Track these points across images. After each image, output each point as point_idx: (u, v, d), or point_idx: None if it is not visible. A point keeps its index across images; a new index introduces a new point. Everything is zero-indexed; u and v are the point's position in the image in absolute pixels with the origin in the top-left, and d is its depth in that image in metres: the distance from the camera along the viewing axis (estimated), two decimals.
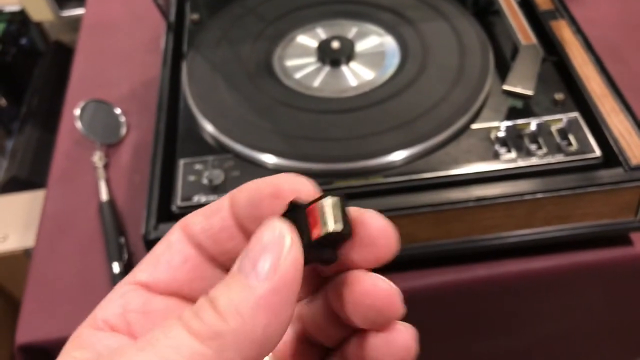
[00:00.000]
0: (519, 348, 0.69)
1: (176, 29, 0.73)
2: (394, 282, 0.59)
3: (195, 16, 0.73)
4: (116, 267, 0.60)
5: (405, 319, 0.65)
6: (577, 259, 0.59)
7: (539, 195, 0.53)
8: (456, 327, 0.65)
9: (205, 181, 0.55)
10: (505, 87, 0.55)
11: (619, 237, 0.59)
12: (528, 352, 0.70)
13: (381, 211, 0.51)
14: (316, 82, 0.63)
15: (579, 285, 0.62)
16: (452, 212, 0.54)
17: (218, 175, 0.55)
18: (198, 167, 0.56)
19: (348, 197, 0.52)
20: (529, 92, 0.54)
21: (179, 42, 0.72)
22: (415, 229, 0.55)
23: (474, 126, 0.58)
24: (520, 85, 0.55)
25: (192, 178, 0.56)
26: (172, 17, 0.73)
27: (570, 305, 0.65)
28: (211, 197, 0.54)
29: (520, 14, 0.62)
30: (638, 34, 0.80)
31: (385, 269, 0.59)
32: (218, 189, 0.55)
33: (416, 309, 0.61)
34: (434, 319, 0.63)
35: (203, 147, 0.59)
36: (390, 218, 0.53)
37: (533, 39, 0.59)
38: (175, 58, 0.69)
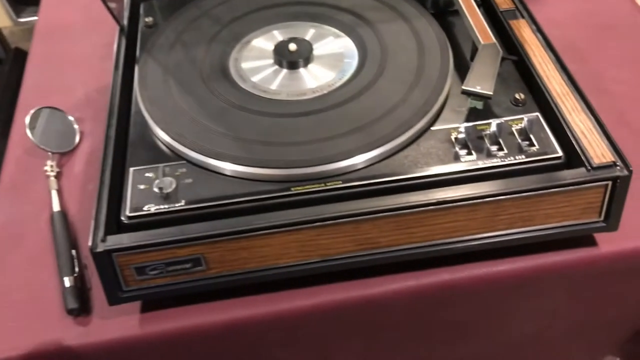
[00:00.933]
0: (486, 353, 0.68)
1: (130, 33, 0.70)
2: (355, 290, 0.57)
3: (149, 19, 0.71)
4: (67, 282, 0.57)
5: (368, 326, 0.63)
6: (542, 261, 0.58)
7: (501, 197, 0.52)
8: (420, 333, 0.63)
9: (156, 189, 0.52)
10: (465, 88, 0.54)
11: (583, 238, 0.58)
12: (495, 357, 0.69)
13: (340, 217, 0.50)
14: (274, 85, 0.62)
15: (544, 288, 0.61)
16: (413, 215, 0.52)
17: (169, 183, 0.53)
18: (149, 175, 0.54)
19: (307, 204, 0.51)
20: (488, 92, 0.53)
21: (133, 47, 0.69)
22: (376, 234, 0.53)
23: (434, 128, 0.56)
24: (480, 85, 0.54)
25: (142, 187, 0.53)
26: (125, 20, 0.71)
27: (536, 308, 0.64)
28: (163, 206, 0.52)
29: (479, 13, 0.61)
30: (598, 34, 0.80)
31: (345, 278, 0.57)
32: (170, 197, 0.52)
33: (379, 317, 0.59)
34: (397, 326, 0.61)
35: (156, 155, 0.57)
36: (350, 224, 0.52)
37: (492, 38, 0.58)
38: (129, 63, 0.67)
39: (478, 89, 0.53)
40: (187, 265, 0.52)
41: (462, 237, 0.54)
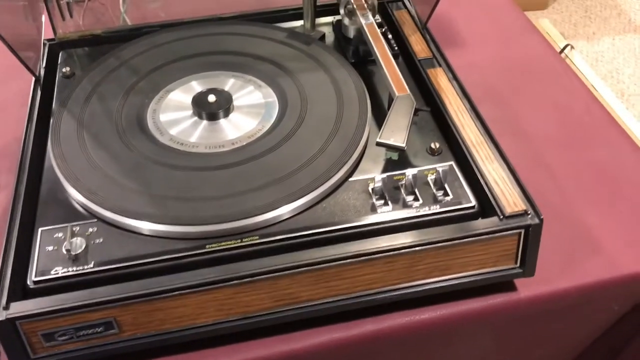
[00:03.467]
0: None
1: (47, 83, 0.69)
2: (279, 346, 0.56)
3: (66, 69, 0.69)
4: None
5: None
6: (464, 308, 0.58)
7: (416, 249, 0.52)
8: None
9: (63, 251, 0.50)
10: (379, 140, 0.55)
11: (503, 284, 0.59)
12: None
13: (257, 274, 0.50)
14: (193, 137, 0.61)
15: (469, 333, 0.61)
16: (331, 269, 0.52)
17: (79, 244, 0.51)
18: (58, 235, 0.52)
19: (223, 261, 0.50)
20: (401, 145, 0.54)
21: (50, 97, 0.68)
22: (295, 289, 0.52)
23: (352, 179, 0.57)
24: (393, 137, 0.54)
25: (50, 248, 0.51)
26: (42, 70, 0.69)
27: (463, 353, 0.64)
28: (71, 269, 0.50)
29: (394, 64, 0.62)
30: (516, 77, 0.83)
31: (268, 333, 0.56)
32: (79, 259, 0.50)
33: None
34: None
35: (68, 213, 0.55)
36: (268, 280, 0.51)
37: (406, 89, 0.59)
38: (45, 114, 0.65)
39: (391, 142, 0.54)
40: (99, 329, 0.50)
41: (382, 288, 0.54)
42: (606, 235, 0.63)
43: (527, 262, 0.55)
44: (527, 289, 0.59)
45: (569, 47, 1.23)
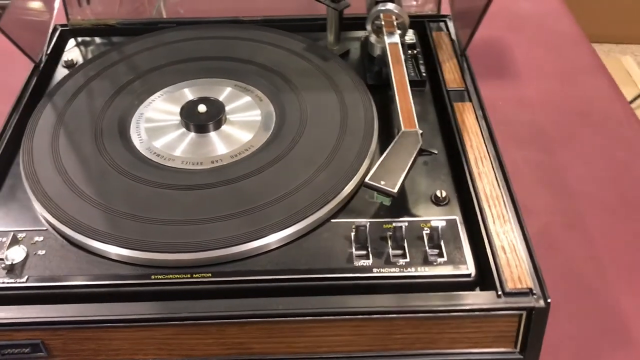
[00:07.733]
0: None
1: (48, 71, 0.65)
2: None
3: (68, 58, 0.66)
4: None
5: None
6: None
7: (393, 315, 0.44)
8: None
9: None
10: (367, 181, 0.46)
11: None
12: None
13: (201, 317, 0.43)
14: (176, 150, 0.55)
15: None
16: (288, 325, 0.44)
17: (18, 254, 0.46)
18: (2, 239, 0.48)
19: (167, 297, 0.44)
20: (392, 190, 0.45)
21: (46, 86, 0.64)
22: (246, 339, 0.45)
23: (336, 220, 0.49)
24: (385, 179, 0.46)
25: None
26: (43, 56, 0.65)
27: None
28: (2, 281, 0.45)
29: (409, 93, 0.53)
30: (572, 122, 0.72)
31: None
32: (14, 271, 0.46)
33: None
34: None
35: (23, 216, 0.50)
36: (214, 325, 0.44)
37: (415, 125, 0.50)
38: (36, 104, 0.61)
39: (381, 185, 0.46)
40: (26, 350, 0.45)
41: (350, 353, 0.46)
42: None
43: (529, 349, 0.46)
44: None
45: None
